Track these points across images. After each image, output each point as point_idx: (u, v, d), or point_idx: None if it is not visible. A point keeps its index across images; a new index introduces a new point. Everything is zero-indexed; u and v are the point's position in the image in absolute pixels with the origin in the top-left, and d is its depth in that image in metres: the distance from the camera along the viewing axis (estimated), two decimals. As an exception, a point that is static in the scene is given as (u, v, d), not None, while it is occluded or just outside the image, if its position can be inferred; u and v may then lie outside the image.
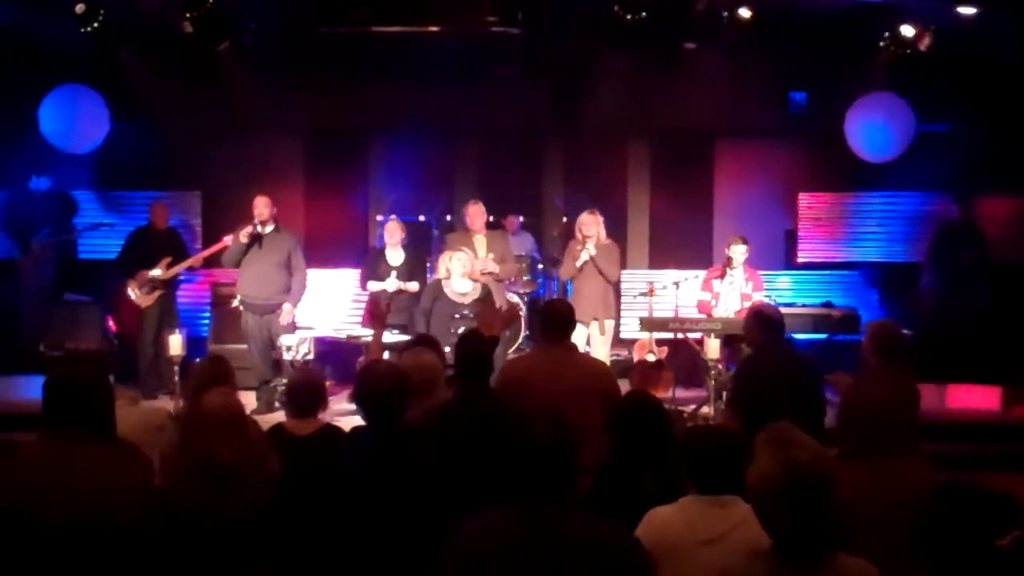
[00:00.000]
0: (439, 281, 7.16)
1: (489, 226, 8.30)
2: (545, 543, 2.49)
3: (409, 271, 7.96)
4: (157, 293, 8.43)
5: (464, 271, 7.10)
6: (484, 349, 4.32)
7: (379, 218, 9.51)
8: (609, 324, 7.84)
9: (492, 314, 5.88)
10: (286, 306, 7.86)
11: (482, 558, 2.52)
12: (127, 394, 4.63)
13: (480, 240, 7.96)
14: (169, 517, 3.26)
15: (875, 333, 4.94)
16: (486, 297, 7.05)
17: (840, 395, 4.70)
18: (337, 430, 4.26)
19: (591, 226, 7.80)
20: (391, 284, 7.84)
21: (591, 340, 7.75)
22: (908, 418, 4.44)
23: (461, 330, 6.59)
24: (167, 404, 7.37)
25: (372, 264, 8.06)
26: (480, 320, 5.53)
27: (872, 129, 8.58)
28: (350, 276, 9.10)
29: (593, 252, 7.69)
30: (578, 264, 7.71)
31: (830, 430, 4.88)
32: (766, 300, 7.99)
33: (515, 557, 2.49)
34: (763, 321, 5.04)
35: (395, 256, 8.02)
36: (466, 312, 6.95)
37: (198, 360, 4.57)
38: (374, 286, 7.93)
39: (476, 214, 8.00)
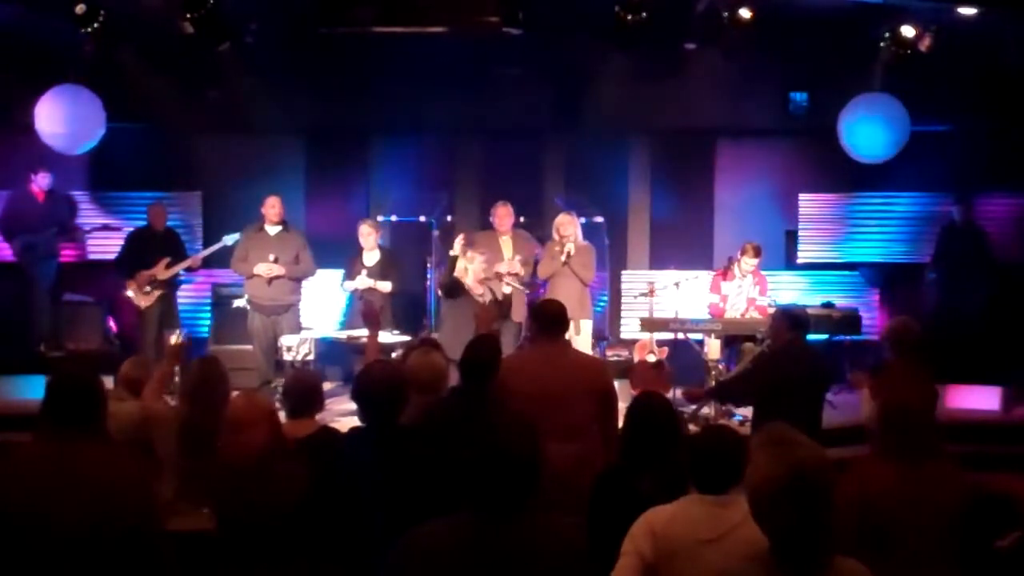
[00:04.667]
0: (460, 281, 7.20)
1: (488, 225, 8.33)
2: (494, 554, 2.44)
3: (382, 271, 8.04)
4: (156, 294, 8.44)
5: (481, 276, 7.18)
6: (490, 353, 4.33)
7: (380, 218, 9.51)
8: (586, 324, 7.90)
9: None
10: (274, 267, 7.87)
11: (427, 569, 2.47)
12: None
13: (506, 241, 8.03)
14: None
15: (891, 330, 5.06)
16: (492, 300, 7.16)
17: (866, 394, 4.79)
18: (334, 432, 4.28)
19: (568, 226, 7.90)
20: (362, 282, 7.98)
21: (569, 340, 7.77)
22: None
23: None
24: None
25: (350, 264, 8.20)
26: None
27: (865, 130, 8.57)
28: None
29: (572, 251, 7.74)
30: (561, 260, 7.74)
31: (828, 431, 4.95)
32: (769, 302, 8.06)
33: (460, 567, 2.44)
34: (792, 320, 5.23)
35: (370, 257, 8.16)
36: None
37: (192, 362, 4.58)
38: (349, 286, 8.12)
39: (505, 215, 8.08)
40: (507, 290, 7.77)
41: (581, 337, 7.81)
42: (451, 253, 7.32)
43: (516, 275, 7.86)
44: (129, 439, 4.11)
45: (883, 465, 3.26)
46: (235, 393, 3.72)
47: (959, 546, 3.21)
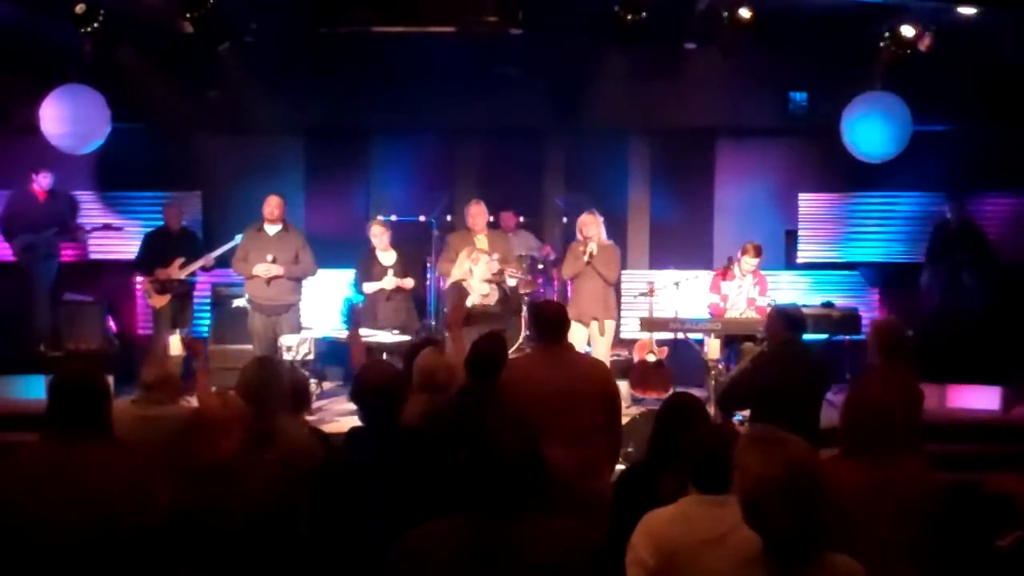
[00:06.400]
0: (461, 283, 7.21)
1: (489, 225, 8.33)
2: (491, 556, 2.43)
3: (403, 269, 8.03)
4: (169, 294, 8.47)
5: (487, 275, 7.20)
6: (497, 350, 4.32)
7: (380, 218, 9.52)
8: (609, 324, 7.87)
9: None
10: (273, 267, 7.86)
11: (425, 570, 2.46)
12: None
13: (481, 240, 8.01)
14: (177, 517, 3.29)
15: (879, 331, 5.02)
16: (508, 299, 7.20)
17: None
18: (320, 432, 4.30)
19: (591, 226, 7.85)
20: (389, 282, 7.93)
21: (592, 340, 7.77)
22: (910, 418, 4.46)
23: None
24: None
25: (365, 266, 8.13)
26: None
27: (867, 129, 8.56)
28: (351, 276, 9.11)
29: (595, 251, 7.72)
30: (584, 260, 7.74)
31: (825, 430, 4.94)
32: (768, 302, 8.06)
33: (458, 569, 2.44)
34: (788, 320, 5.21)
35: (387, 257, 8.11)
36: (493, 312, 7.09)
37: (247, 364, 4.56)
38: (370, 287, 8.01)
39: (477, 214, 8.06)
40: (512, 283, 7.78)
41: (605, 337, 7.81)
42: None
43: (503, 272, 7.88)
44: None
45: (849, 464, 3.25)
46: (209, 394, 3.71)
47: (928, 545, 3.20)
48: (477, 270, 7.18)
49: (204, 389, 4.80)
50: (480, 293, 7.17)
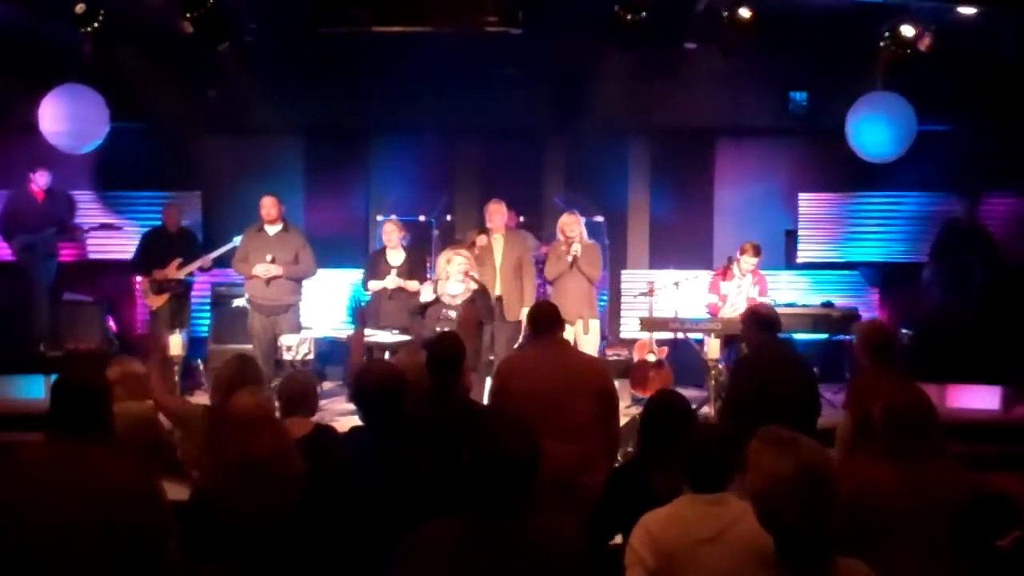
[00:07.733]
0: (437, 282, 7.18)
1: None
2: (493, 554, 2.45)
3: (409, 270, 8.01)
4: (167, 294, 8.46)
5: (460, 275, 7.11)
6: (455, 351, 4.32)
7: (379, 218, 9.52)
8: (594, 323, 7.88)
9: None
10: (272, 267, 7.85)
11: (428, 569, 2.48)
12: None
13: (498, 240, 8.00)
14: (206, 517, 3.29)
15: (865, 333, 4.98)
16: (476, 299, 7.12)
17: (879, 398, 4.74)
18: (331, 430, 4.28)
19: (573, 226, 7.89)
20: (391, 282, 7.90)
21: (576, 339, 7.77)
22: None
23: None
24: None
25: (373, 264, 8.12)
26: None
27: (872, 129, 8.56)
28: (350, 276, 9.12)
29: (579, 252, 7.74)
30: (569, 261, 7.75)
31: (825, 430, 4.93)
32: (767, 301, 8.05)
33: (460, 568, 2.45)
34: (761, 321, 5.15)
35: (395, 256, 8.10)
36: (451, 314, 7.00)
37: (226, 360, 4.57)
38: (374, 285, 8.00)
39: (495, 212, 8.06)
40: (473, 286, 7.57)
41: (589, 336, 7.81)
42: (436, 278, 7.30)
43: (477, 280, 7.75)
44: (139, 440, 4.10)
45: (881, 465, 3.25)
46: (241, 392, 3.68)
47: (961, 546, 3.20)
48: (451, 269, 7.13)
49: (159, 390, 4.77)
50: (450, 293, 7.10)
